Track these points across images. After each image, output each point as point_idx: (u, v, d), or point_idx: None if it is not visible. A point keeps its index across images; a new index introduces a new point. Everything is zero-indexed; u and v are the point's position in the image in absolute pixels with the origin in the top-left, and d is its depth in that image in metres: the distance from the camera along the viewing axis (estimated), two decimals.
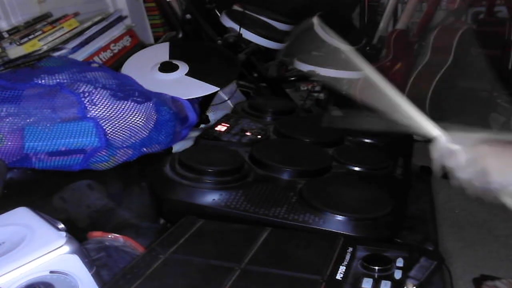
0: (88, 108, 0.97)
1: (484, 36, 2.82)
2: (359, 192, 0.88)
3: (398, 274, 0.61)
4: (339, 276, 0.61)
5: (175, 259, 0.66)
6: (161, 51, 1.44)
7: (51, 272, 0.58)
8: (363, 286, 0.60)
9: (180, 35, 1.78)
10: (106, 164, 1.00)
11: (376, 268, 0.62)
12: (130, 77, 1.19)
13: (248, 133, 1.12)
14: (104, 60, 1.40)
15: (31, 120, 0.94)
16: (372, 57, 2.79)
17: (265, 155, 0.97)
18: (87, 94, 0.99)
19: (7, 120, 0.93)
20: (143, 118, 1.02)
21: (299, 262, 0.65)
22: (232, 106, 1.43)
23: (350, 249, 0.67)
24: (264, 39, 1.84)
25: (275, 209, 0.81)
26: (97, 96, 0.99)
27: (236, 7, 2.01)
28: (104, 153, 0.98)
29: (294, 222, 0.78)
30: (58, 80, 1.02)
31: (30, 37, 1.28)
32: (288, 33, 2.07)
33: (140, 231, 0.88)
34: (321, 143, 1.08)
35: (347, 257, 0.65)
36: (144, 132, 1.02)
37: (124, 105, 1.01)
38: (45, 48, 1.28)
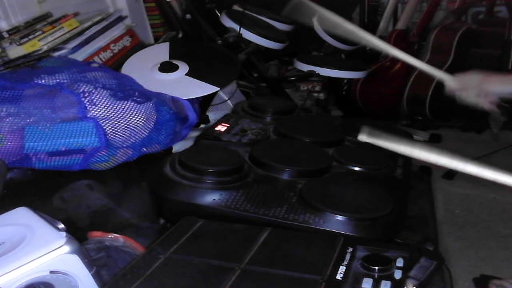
0: (88, 108, 0.97)
1: (484, 36, 2.82)
2: (359, 192, 0.88)
3: (398, 274, 0.61)
4: (339, 276, 0.61)
5: (175, 259, 0.66)
6: (161, 51, 1.44)
7: (51, 272, 0.58)
8: (363, 286, 0.60)
9: (180, 35, 1.78)
10: (106, 164, 1.00)
11: (376, 268, 0.62)
12: (130, 77, 1.19)
13: (248, 133, 1.12)
14: (104, 60, 1.40)
15: (31, 120, 0.94)
16: (372, 57, 2.80)
17: (265, 155, 0.97)
18: (87, 94, 0.99)
19: (7, 120, 0.93)
20: (143, 118, 1.02)
21: (299, 262, 0.65)
22: (232, 106, 1.43)
23: (350, 249, 0.67)
24: (264, 39, 1.84)
25: (275, 209, 0.81)
26: (97, 96, 0.99)
27: (236, 7, 2.02)
28: (104, 153, 0.98)
29: (294, 222, 0.78)
30: (58, 80, 1.02)
31: (30, 37, 1.28)
32: (288, 33, 2.08)
33: (140, 231, 0.88)
34: (321, 143, 1.08)
35: (347, 257, 0.65)
36: (144, 132, 1.02)
37: (124, 105, 1.00)
38: (45, 48, 1.28)
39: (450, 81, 1.11)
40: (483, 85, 1.05)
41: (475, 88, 1.06)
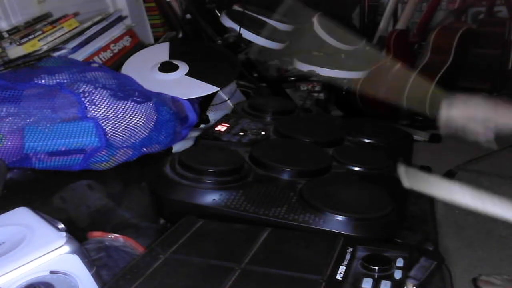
0: (88, 108, 0.97)
1: (484, 36, 2.82)
2: (359, 192, 0.88)
3: (398, 274, 0.61)
4: (339, 276, 0.61)
5: (175, 259, 0.66)
6: (161, 51, 1.44)
7: (51, 272, 0.58)
8: (363, 286, 0.60)
9: (180, 35, 1.78)
10: (106, 164, 1.00)
11: (376, 268, 0.62)
12: (130, 77, 1.19)
13: (248, 133, 1.12)
14: (104, 60, 1.40)
15: (31, 120, 0.94)
16: (372, 57, 2.79)
17: (265, 155, 0.97)
18: (87, 94, 0.99)
19: (7, 120, 0.93)
20: (143, 118, 1.02)
21: (299, 262, 0.65)
22: (232, 106, 1.43)
23: (350, 249, 0.67)
24: (264, 39, 1.84)
25: (275, 209, 0.81)
26: (97, 96, 0.99)
27: (236, 7, 2.02)
28: (104, 153, 0.98)
29: (294, 222, 0.78)
30: (58, 80, 1.02)
31: (30, 37, 1.28)
32: (288, 33, 2.08)
33: (140, 231, 0.88)
34: (321, 143, 1.08)
35: (347, 257, 0.65)
36: (144, 132, 1.02)
37: (124, 105, 1.01)
38: (45, 48, 1.28)
39: (451, 109, 0.92)
40: (493, 118, 0.88)
41: (484, 121, 0.88)
